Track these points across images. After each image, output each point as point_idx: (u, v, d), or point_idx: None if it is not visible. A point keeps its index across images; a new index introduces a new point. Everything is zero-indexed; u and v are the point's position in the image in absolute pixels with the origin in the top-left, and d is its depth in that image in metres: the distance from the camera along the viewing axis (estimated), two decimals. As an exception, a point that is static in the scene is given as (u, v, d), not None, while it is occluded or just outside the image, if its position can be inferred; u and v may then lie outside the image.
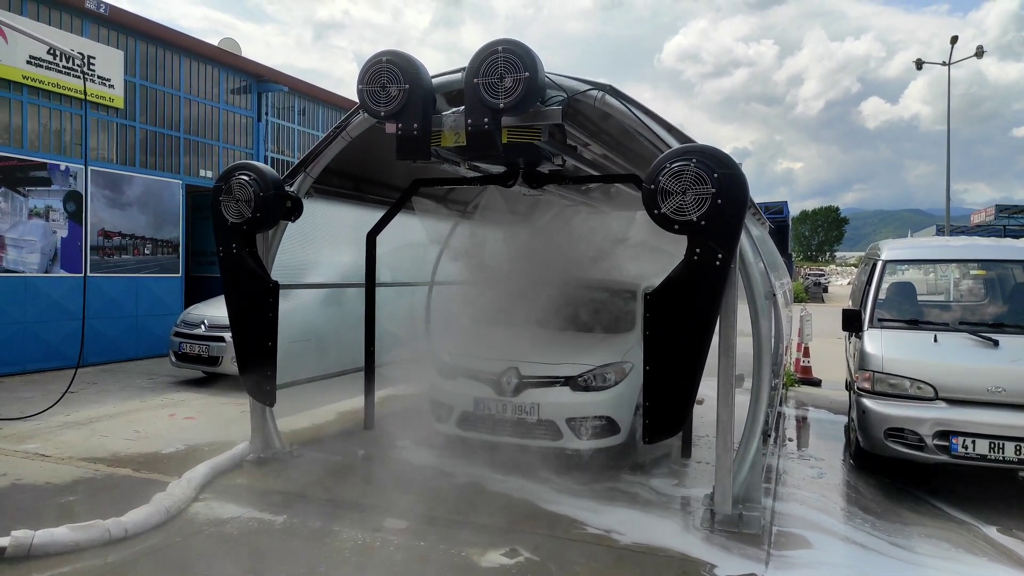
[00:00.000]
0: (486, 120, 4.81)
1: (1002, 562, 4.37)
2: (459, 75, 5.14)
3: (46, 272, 10.37)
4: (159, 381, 9.86)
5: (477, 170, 6.13)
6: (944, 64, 27.01)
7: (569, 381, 5.80)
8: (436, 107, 5.23)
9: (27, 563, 3.95)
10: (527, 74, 4.61)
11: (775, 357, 4.88)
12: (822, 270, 65.20)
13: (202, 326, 9.34)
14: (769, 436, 4.82)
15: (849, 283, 62.99)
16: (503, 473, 5.69)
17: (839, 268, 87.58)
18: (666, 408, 4.46)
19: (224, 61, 13.64)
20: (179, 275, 12.60)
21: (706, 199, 4.16)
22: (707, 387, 4.62)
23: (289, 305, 5.98)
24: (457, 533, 4.57)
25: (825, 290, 44.27)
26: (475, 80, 4.74)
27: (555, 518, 4.86)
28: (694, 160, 4.22)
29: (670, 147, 4.61)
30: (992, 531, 4.86)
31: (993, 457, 5.08)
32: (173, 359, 9.53)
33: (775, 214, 17.14)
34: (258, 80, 14.43)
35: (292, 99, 15.60)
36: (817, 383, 10.85)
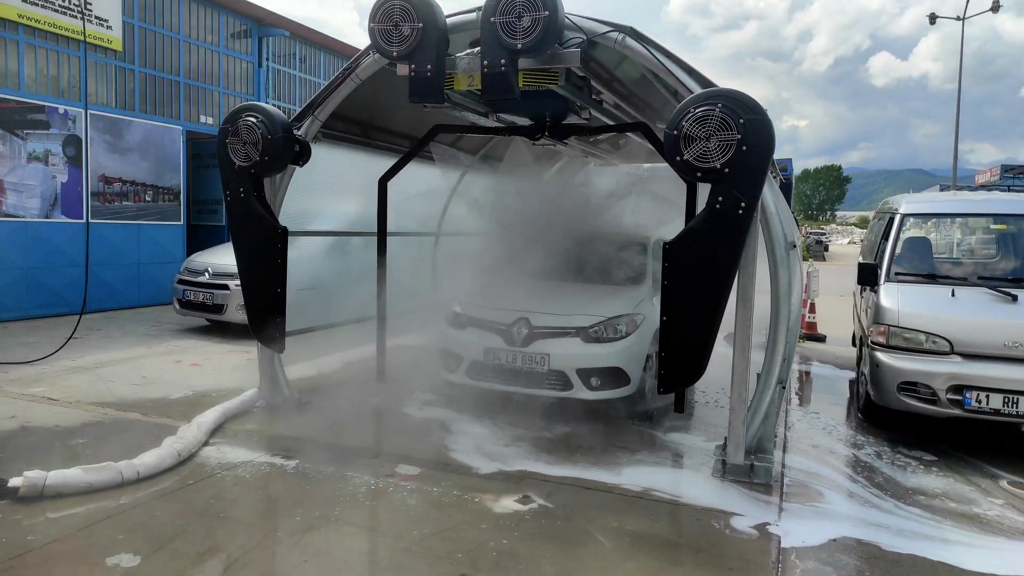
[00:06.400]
0: (503, 62, 4.65)
1: (1013, 515, 4.38)
2: (474, 15, 4.97)
3: (46, 217, 10.25)
4: (163, 328, 9.83)
5: (502, 121, 6.03)
6: (958, 19, 26.45)
7: (580, 332, 5.75)
8: (449, 49, 5.07)
9: (40, 503, 3.94)
10: (546, 13, 4.44)
11: (792, 309, 4.81)
12: (823, 229, 65.11)
13: (206, 274, 9.27)
14: (784, 388, 4.78)
15: (850, 242, 62.92)
16: (513, 423, 5.69)
17: (839, 227, 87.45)
18: (683, 358, 4.42)
19: (223, 3, 13.27)
20: (180, 223, 12.48)
21: (731, 145, 4.05)
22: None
23: (295, 253, 5.89)
24: (469, 480, 4.57)
25: (826, 248, 44.21)
26: (492, 19, 4.57)
27: (566, 466, 4.86)
28: (719, 105, 4.09)
29: (692, 92, 4.47)
30: (1003, 483, 4.88)
31: (1007, 412, 5.07)
32: (177, 306, 9.49)
33: (779, 172, 16.93)
34: (259, 24, 14.08)
35: (293, 45, 15.26)
36: (822, 339, 10.86)
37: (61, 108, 10.37)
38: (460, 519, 4.01)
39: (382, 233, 6.44)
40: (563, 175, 8.25)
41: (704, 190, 4.53)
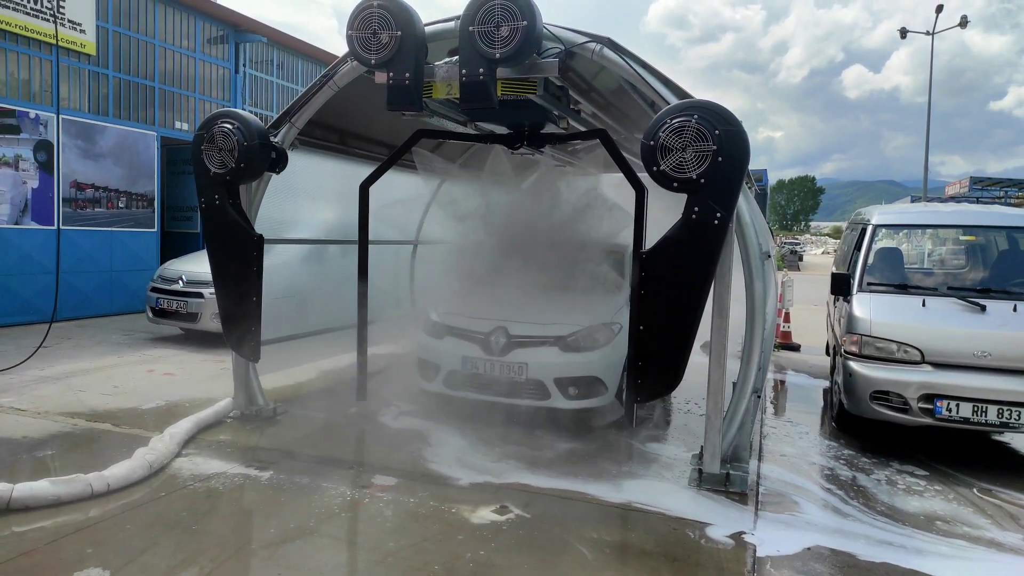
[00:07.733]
0: (481, 71, 4.67)
1: (984, 523, 4.44)
2: (453, 24, 4.98)
3: (16, 224, 10.04)
4: (136, 337, 9.67)
5: (480, 130, 6.04)
6: (928, 34, 26.99)
7: (558, 341, 5.76)
8: (428, 57, 5.08)
9: (6, 516, 3.85)
10: (525, 23, 4.47)
11: (767, 318, 4.86)
12: (797, 239, 65.96)
13: (180, 281, 9.15)
14: (759, 397, 4.82)
15: (824, 252, 63.66)
16: (491, 433, 5.67)
17: (814, 237, 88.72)
18: (659, 368, 4.44)
19: (200, 8, 13.16)
20: (155, 230, 12.31)
21: (707, 156, 4.09)
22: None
23: (271, 261, 5.84)
24: (446, 491, 4.54)
25: (801, 258, 44.73)
26: (470, 28, 4.59)
27: (543, 476, 4.85)
28: (695, 116, 4.13)
29: (668, 103, 4.51)
30: (975, 491, 4.95)
31: (976, 420, 5.15)
32: (150, 315, 9.34)
33: (754, 182, 17.15)
34: (236, 30, 13.97)
35: (271, 51, 15.15)
36: (796, 348, 10.97)
37: (32, 112, 10.20)
38: (437, 530, 3.98)
39: (363, 240, 6.35)
40: (541, 184, 8.26)
41: (656, 200, 4.58)
